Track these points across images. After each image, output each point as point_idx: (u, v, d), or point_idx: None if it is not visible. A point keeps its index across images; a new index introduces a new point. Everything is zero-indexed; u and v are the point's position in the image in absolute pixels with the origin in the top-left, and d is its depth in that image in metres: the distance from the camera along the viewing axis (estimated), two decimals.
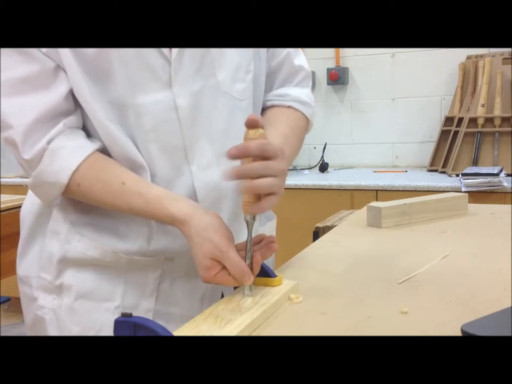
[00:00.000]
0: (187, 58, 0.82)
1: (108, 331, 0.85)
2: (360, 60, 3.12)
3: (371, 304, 0.76)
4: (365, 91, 3.14)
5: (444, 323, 0.68)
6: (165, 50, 0.80)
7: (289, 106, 0.97)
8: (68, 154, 0.81)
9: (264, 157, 0.72)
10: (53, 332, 0.89)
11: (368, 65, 3.10)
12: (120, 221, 0.87)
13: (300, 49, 1.02)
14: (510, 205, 1.38)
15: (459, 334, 0.62)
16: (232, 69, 0.86)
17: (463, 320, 0.63)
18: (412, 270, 0.89)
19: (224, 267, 0.74)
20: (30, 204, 0.94)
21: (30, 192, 0.92)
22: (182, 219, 0.77)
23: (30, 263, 0.93)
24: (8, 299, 2.51)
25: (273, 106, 0.97)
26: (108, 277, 0.88)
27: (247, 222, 0.75)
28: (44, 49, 0.77)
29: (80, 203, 0.87)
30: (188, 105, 0.84)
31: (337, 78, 3.09)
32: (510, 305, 0.67)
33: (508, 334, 0.59)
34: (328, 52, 3.12)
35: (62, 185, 0.81)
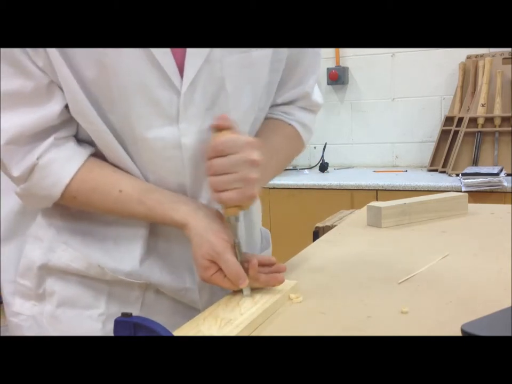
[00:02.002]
0: (199, 93, 0.77)
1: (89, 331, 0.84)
2: (360, 60, 3.11)
3: (371, 304, 0.76)
4: (365, 91, 3.14)
5: (444, 323, 0.68)
6: (176, 81, 0.75)
7: (289, 124, 0.95)
8: (59, 167, 0.77)
9: (224, 155, 0.72)
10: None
11: (368, 65, 3.10)
12: (110, 235, 0.84)
13: (316, 85, 0.99)
14: (510, 205, 1.38)
15: (459, 334, 0.62)
16: (245, 110, 0.82)
17: (463, 320, 0.63)
18: (411, 270, 0.89)
19: (221, 268, 0.75)
20: (12, 202, 0.87)
21: (6, 188, 0.87)
22: (184, 223, 0.77)
23: (2, 265, 0.89)
24: None
25: (275, 118, 0.95)
26: (91, 285, 0.85)
27: (230, 225, 0.76)
28: (40, 64, 0.73)
29: (68, 210, 0.84)
30: (193, 144, 0.79)
31: (337, 77, 3.09)
32: (510, 305, 0.67)
33: (508, 334, 0.59)
34: (328, 52, 3.12)
35: (55, 199, 0.79)
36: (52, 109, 0.76)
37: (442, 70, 2.95)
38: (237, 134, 0.74)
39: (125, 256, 0.84)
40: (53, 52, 0.72)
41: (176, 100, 0.76)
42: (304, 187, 2.67)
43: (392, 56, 3.05)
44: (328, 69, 3.12)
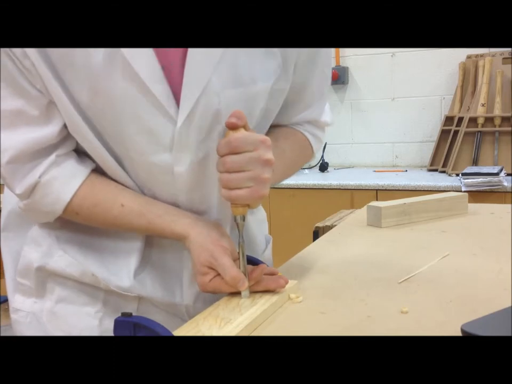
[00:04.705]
0: (195, 125, 0.75)
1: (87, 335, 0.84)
2: (360, 60, 3.12)
3: (371, 304, 0.76)
4: (365, 91, 3.14)
5: (444, 323, 0.68)
6: (172, 111, 0.74)
7: (300, 132, 0.94)
8: (61, 185, 0.78)
9: (238, 152, 0.70)
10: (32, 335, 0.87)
11: (368, 65, 3.10)
12: (107, 248, 0.85)
13: (327, 107, 0.98)
14: (510, 205, 1.38)
15: (459, 334, 0.62)
16: None
17: (463, 320, 0.63)
18: (411, 270, 0.89)
19: (219, 274, 0.75)
20: (15, 201, 0.87)
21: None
22: (184, 235, 0.78)
23: (4, 263, 0.90)
24: None
25: (285, 126, 0.94)
26: (87, 291, 0.86)
27: (237, 224, 0.76)
28: (38, 86, 0.73)
29: (68, 221, 0.84)
30: (187, 172, 0.79)
31: (337, 77, 3.09)
32: (510, 305, 0.68)
33: (508, 334, 0.59)
34: None
35: (57, 215, 0.80)
36: (52, 129, 0.76)
37: (442, 70, 2.95)
38: (251, 132, 0.74)
39: (120, 269, 0.85)
40: (48, 76, 0.72)
41: (171, 129, 0.75)
42: (304, 187, 2.67)
43: (392, 56, 3.05)
44: None
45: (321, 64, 0.87)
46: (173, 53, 0.73)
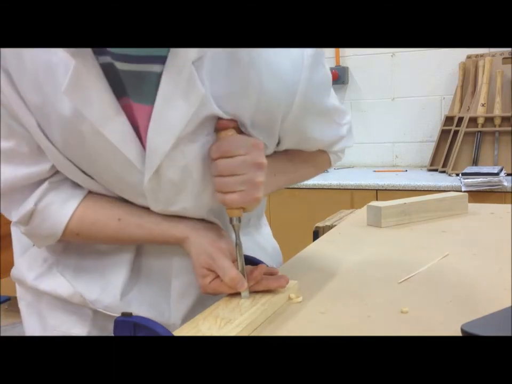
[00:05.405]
0: (165, 180, 0.75)
1: (79, 329, 0.86)
2: (360, 60, 3.11)
3: (371, 304, 0.76)
4: (365, 91, 3.14)
5: (444, 323, 0.68)
6: (142, 167, 0.73)
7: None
8: (57, 210, 0.79)
9: (230, 156, 0.71)
10: (34, 323, 0.90)
11: (368, 65, 3.10)
12: (98, 266, 0.86)
13: (352, 134, 0.96)
14: (510, 205, 1.38)
15: (459, 334, 0.62)
16: (213, 191, 0.77)
17: (463, 320, 0.63)
18: (411, 270, 0.89)
19: (219, 275, 0.75)
20: None
21: None
22: (184, 237, 0.79)
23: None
24: (8, 298, 2.51)
25: None
26: (77, 310, 0.88)
27: (233, 226, 0.76)
28: (27, 126, 0.73)
29: (70, 245, 0.86)
30: (162, 213, 0.80)
31: (337, 77, 3.09)
32: (510, 305, 0.68)
33: (508, 334, 0.59)
34: (328, 52, 3.12)
35: (57, 238, 0.80)
36: (43, 166, 0.77)
37: (442, 70, 2.95)
38: (243, 135, 0.74)
39: (108, 286, 0.85)
40: (29, 121, 0.72)
41: (143, 182, 0.74)
42: (304, 187, 2.67)
43: (392, 56, 3.05)
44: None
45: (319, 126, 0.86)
46: (140, 116, 0.71)
